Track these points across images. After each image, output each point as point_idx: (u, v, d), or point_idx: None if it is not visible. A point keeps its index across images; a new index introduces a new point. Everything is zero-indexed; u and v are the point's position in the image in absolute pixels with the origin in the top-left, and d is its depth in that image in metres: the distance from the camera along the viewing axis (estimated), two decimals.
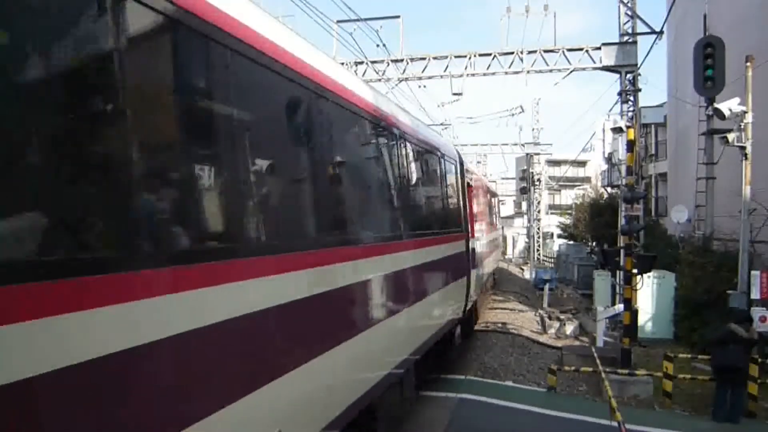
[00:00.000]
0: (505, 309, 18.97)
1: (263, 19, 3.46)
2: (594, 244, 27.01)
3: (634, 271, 10.63)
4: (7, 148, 1.86)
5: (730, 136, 11.31)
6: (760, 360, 9.08)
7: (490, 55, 18.83)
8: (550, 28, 78.60)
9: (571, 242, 34.17)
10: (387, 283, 5.40)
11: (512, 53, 18.61)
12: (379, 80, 18.72)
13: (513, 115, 33.53)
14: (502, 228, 34.59)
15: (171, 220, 2.64)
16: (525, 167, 41.10)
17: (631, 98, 17.39)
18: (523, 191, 40.95)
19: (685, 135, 19.83)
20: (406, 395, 6.59)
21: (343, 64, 11.58)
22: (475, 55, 18.92)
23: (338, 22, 16.73)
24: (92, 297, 2.03)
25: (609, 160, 21.79)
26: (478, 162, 40.61)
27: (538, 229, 38.45)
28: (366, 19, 16.49)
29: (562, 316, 17.31)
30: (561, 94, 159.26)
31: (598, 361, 9.98)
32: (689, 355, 11.00)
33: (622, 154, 17.85)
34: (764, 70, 11.70)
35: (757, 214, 11.90)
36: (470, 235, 10.65)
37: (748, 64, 11.27)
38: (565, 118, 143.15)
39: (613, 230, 17.94)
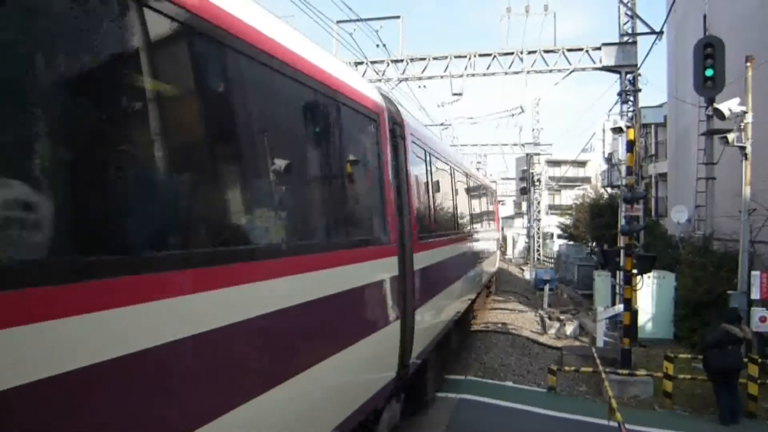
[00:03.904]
0: (505, 309, 18.98)
1: None
2: (594, 244, 26.97)
3: (634, 271, 10.63)
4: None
5: (730, 137, 11.30)
6: (760, 360, 9.08)
7: (490, 55, 18.85)
8: (550, 28, 78.60)
9: (571, 242, 34.13)
10: (165, 365, 2.46)
11: (512, 53, 18.63)
12: (380, 80, 18.73)
13: (513, 115, 33.60)
14: (503, 229, 34.45)
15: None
16: (525, 167, 41.10)
17: (631, 98, 17.39)
18: (523, 191, 40.93)
19: (685, 135, 19.83)
20: None
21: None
22: (475, 56, 18.93)
23: (338, 22, 16.75)
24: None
25: (609, 160, 21.73)
26: (478, 162, 40.59)
27: (538, 229, 38.45)
28: (366, 20, 16.52)
29: (562, 317, 17.31)
30: (561, 94, 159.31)
31: (598, 361, 9.97)
32: (689, 356, 10.98)
33: (622, 154, 17.81)
34: (764, 70, 11.70)
35: (757, 214, 11.88)
36: (412, 245, 6.06)
37: (748, 64, 11.26)
38: (565, 118, 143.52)
39: (613, 230, 17.92)
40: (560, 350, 12.83)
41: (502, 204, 46.93)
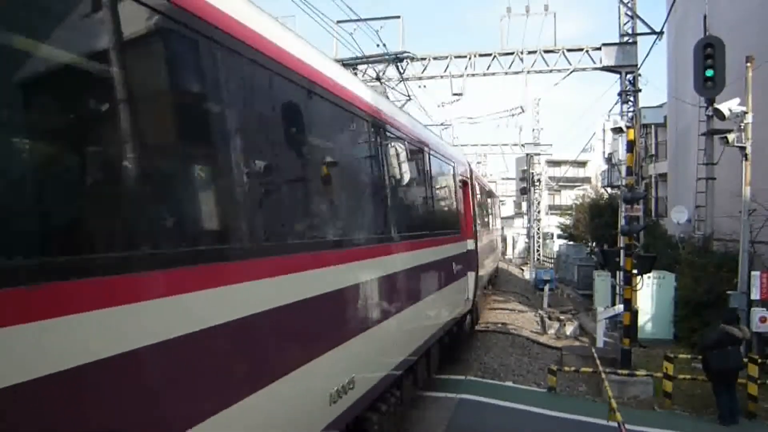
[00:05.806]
0: (505, 309, 18.97)
1: None
2: (594, 244, 26.98)
3: (634, 271, 10.63)
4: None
5: (730, 137, 11.30)
6: (760, 360, 9.08)
7: (490, 55, 18.86)
8: (551, 28, 78.55)
9: (571, 243, 34.14)
10: None
11: (512, 53, 18.64)
12: (379, 80, 18.70)
13: (513, 115, 33.46)
14: (502, 228, 34.46)
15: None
16: (525, 167, 41.07)
17: (631, 98, 17.40)
18: (523, 191, 40.90)
19: (685, 135, 19.82)
20: None
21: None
22: (475, 56, 18.93)
23: (338, 22, 16.72)
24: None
25: (609, 160, 21.78)
26: (479, 162, 40.58)
27: (538, 229, 38.43)
28: (366, 20, 16.48)
29: (562, 317, 17.31)
30: (561, 94, 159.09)
31: (598, 361, 9.98)
32: (689, 356, 10.96)
33: (622, 154, 17.84)
34: (764, 71, 11.69)
35: (757, 214, 11.88)
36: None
37: (748, 64, 11.26)
38: (565, 118, 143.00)
39: (613, 231, 17.94)
40: (560, 350, 12.84)
41: (502, 204, 46.90)
